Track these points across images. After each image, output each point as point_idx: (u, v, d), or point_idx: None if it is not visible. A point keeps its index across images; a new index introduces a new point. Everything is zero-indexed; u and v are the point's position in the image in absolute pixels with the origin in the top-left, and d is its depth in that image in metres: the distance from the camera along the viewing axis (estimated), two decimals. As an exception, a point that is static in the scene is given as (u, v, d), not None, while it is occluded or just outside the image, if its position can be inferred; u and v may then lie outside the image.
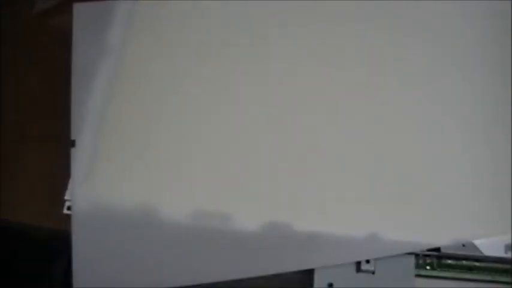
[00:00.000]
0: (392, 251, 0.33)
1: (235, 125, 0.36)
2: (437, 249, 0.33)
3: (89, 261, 0.33)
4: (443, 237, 0.33)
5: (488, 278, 0.33)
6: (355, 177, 0.34)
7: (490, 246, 0.33)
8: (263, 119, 0.36)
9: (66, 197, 0.34)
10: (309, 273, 0.33)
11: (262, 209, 0.34)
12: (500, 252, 0.33)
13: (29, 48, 0.44)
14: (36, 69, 0.43)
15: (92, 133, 0.36)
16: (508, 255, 0.33)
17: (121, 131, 0.36)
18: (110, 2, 0.39)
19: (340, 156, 0.35)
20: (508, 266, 0.33)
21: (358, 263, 0.33)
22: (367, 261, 0.33)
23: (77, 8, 0.39)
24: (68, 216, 0.34)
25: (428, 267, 0.34)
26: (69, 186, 0.35)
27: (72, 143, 0.35)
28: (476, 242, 0.33)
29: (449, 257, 0.33)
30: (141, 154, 0.35)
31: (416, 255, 0.33)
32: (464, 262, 0.34)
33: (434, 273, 0.34)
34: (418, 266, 0.33)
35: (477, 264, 0.33)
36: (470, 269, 0.34)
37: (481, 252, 0.33)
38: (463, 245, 0.33)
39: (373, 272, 0.33)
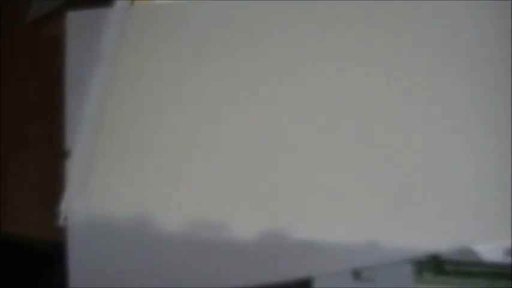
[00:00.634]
0: (391, 257, 0.32)
1: (231, 134, 0.36)
2: (436, 255, 0.33)
3: (85, 273, 0.33)
4: (443, 243, 0.33)
5: (488, 283, 0.33)
6: (354, 184, 0.34)
7: (489, 251, 0.33)
8: (259, 131, 0.36)
9: (61, 209, 0.34)
10: (307, 282, 0.33)
11: (259, 217, 0.33)
12: (499, 257, 0.33)
13: (25, 56, 0.44)
14: (33, 77, 0.43)
15: (87, 143, 0.36)
16: (508, 260, 0.32)
17: (116, 140, 0.36)
18: (103, 10, 0.39)
19: (337, 163, 0.35)
20: (507, 271, 0.33)
21: (357, 271, 0.33)
22: (366, 269, 0.33)
23: (71, 16, 0.39)
24: (64, 228, 0.34)
25: (427, 273, 0.33)
26: (64, 197, 0.34)
27: (67, 154, 0.35)
28: (475, 248, 0.33)
29: (449, 262, 0.33)
30: (137, 163, 0.35)
31: (416, 261, 0.33)
32: (463, 267, 0.33)
33: (434, 279, 0.33)
34: (417, 272, 0.33)
35: (476, 269, 0.33)
36: (469, 274, 0.33)
37: (480, 258, 0.33)
38: (462, 251, 0.33)
39: (372, 279, 0.33)
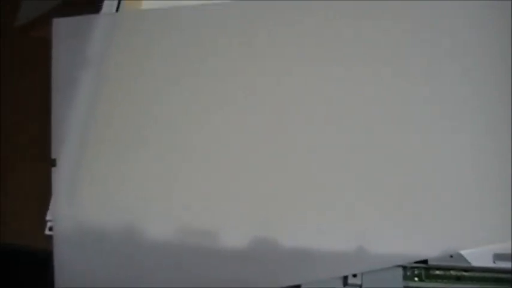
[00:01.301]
0: (379, 264, 0.32)
1: (225, 138, 0.35)
2: (425, 261, 0.33)
3: (71, 282, 0.32)
4: (431, 249, 0.33)
5: (477, 287, 0.33)
6: (342, 192, 0.34)
7: (477, 256, 0.33)
8: (255, 133, 0.35)
9: (47, 218, 0.34)
10: (296, 288, 0.33)
11: (247, 225, 0.33)
12: (488, 262, 0.33)
13: (14, 61, 0.44)
14: (24, 80, 0.43)
15: (74, 151, 0.35)
16: (496, 265, 0.32)
17: (103, 148, 0.35)
18: (89, 16, 0.39)
19: (325, 171, 0.34)
20: (496, 276, 0.33)
21: (345, 277, 0.33)
22: (354, 275, 0.32)
23: (57, 22, 0.38)
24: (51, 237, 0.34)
25: (416, 279, 0.33)
26: (51, 206, 0.34)
27: (53, 162, 0.35)
28: (464, 252, 0.33)
29: (437, 267, 0.33)
30: (125, 172, 0.35)
31: (404, 267, 0.33)
32: (452, 272, 0.33)
33: (423, 284, 0.33)
34: (406, 277, 0.33)
35: (465, 274, 0.33)
36: (458, 279, 0.33)
37: (469, 263, 0.33)
38: (451, 256, 0.33)
39: (360, 286, 0.32)
